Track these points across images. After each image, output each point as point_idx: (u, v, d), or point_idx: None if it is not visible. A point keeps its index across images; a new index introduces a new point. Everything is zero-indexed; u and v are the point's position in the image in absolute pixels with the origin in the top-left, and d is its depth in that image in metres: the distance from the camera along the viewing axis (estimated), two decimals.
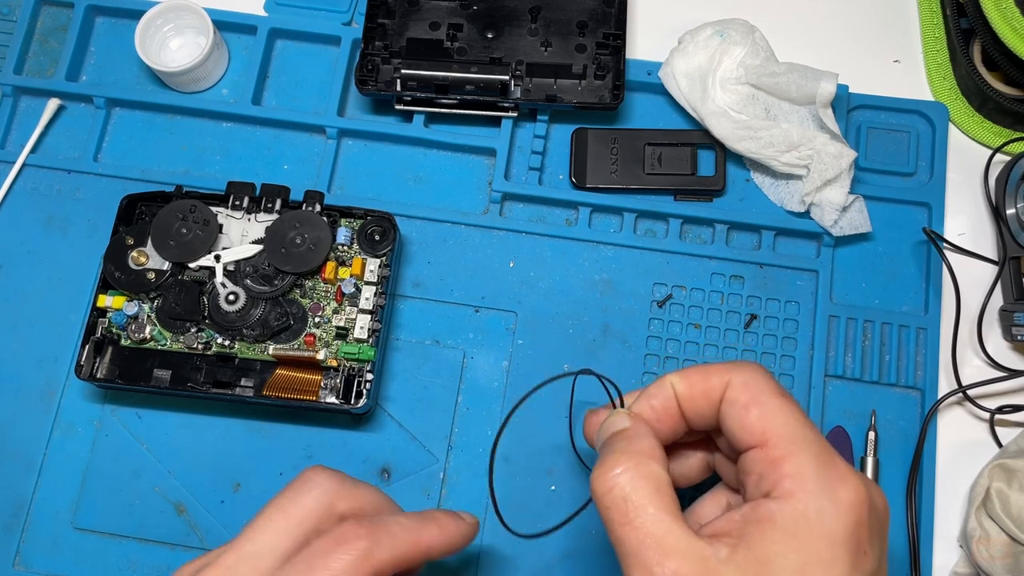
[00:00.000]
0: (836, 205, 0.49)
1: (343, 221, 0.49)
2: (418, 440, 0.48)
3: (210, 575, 0.31)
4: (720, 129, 0.51)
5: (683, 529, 0.29)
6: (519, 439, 0.48)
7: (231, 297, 0.46)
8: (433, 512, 0.35)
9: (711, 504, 0.36)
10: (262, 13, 0.56)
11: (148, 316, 0.47)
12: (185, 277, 0.47)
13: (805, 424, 0.30)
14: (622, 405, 0.35)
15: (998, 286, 0.51)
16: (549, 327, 0.50)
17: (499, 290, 0.51)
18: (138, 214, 0.50)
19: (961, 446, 0.49)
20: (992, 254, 0.52)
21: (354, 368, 0.46)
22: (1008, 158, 0.52)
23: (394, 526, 0.33)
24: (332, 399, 0.46)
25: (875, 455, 0.47)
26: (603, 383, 0.35)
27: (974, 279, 0.51)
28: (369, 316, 0.47)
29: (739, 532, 0.29)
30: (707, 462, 0.37)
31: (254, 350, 0.47)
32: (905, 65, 0.56)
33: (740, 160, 0.53)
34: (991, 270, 0.51)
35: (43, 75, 0.55)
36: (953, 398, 0.49)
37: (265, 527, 0.32)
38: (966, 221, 0.53)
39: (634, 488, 0.30)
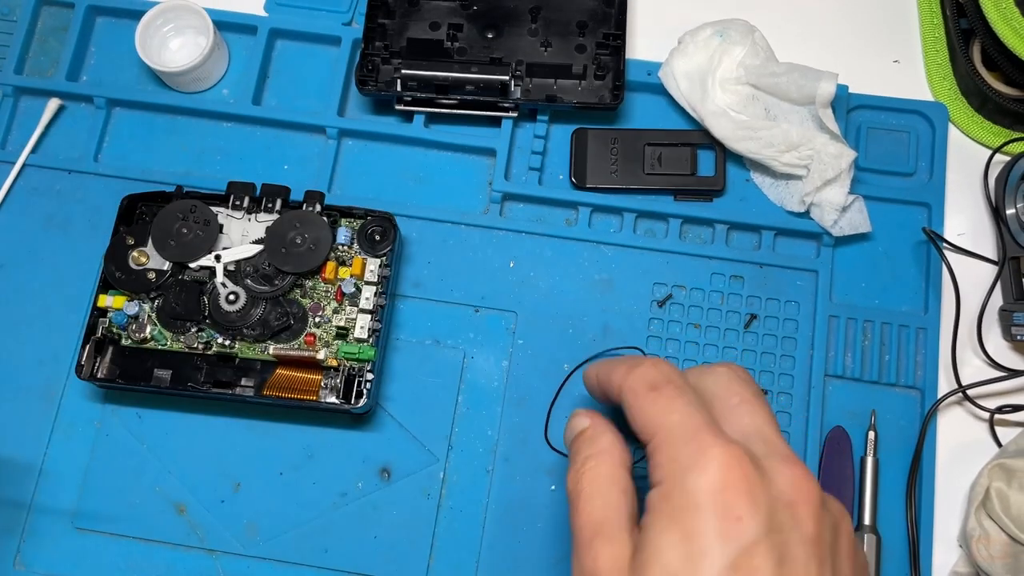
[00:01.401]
0: (836, 205, 0.49)
1: (343, 221, 0.49)
2: (418, 440, 0.48)
3: None
4: (720, 129, 0.51)
5: (622, 522, 0.31)
6: (519, 439, 0.48)
7: (231, 297, 0.46)
8: None
9: None
10: (262, 13, 0.56)
11: (148, 316, 0.47)
12: (185, 277, 0.47)
13: (675, 410, 0.31)
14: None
15: (998, 286, 0.51)
16: (549, 327, 0.50)
17: (499, 290, 0.51)
18: (138, 214, 0.50)
19: (961, 446, 0.49)
20: (992, 254, 0.52)
21: (354, 368, 0.46)
22: (1008, 158, 0.52)
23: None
24: (332, 399, 0.46)
25: (875, 455, 0.47)
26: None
27: (974, 279, 0.51)
28: (369, 316, 0.47)
29: (641, 525, 0.31)
30: None
31: (254, 350, 0.47)
32: (905, 65, 0.56)
33: (740, 160, 0.53)
34: (991, 270, 0.51)
35: (43, 75, 0.55)
36: (953, 398, 0.49)
37: None
38: (966, 221, 0.53)
39: (592, 484, 0.32)
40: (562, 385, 0.49)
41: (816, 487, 0.30)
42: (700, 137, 0.53)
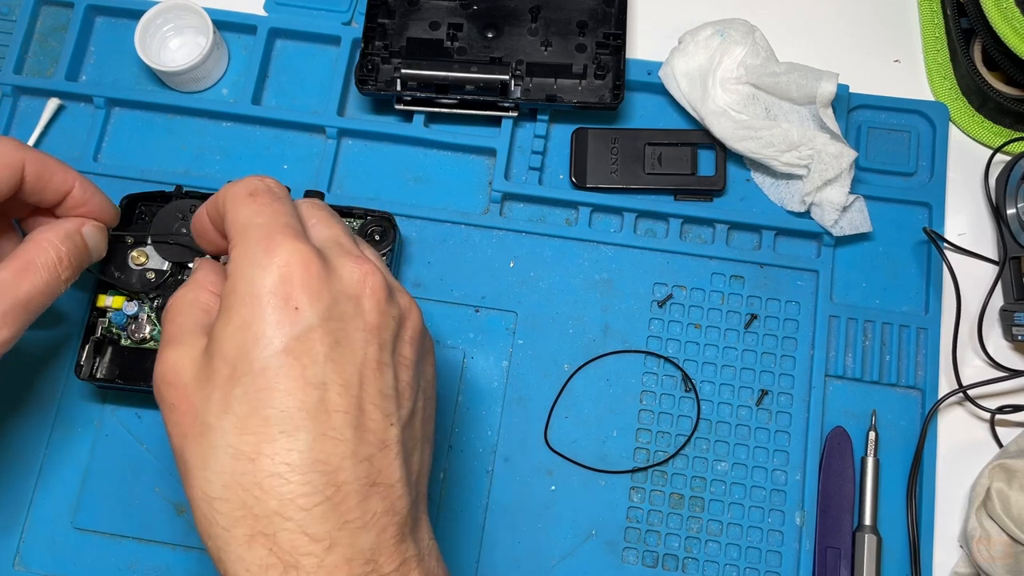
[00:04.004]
0: (836, 205, 0.49)
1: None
2: None
3: None
4: (720, 129, 0.51)
5: (194, 328, 0.33)
6: (519, 439, 0.48)
7: None
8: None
9: None
10: (262, 13, 0.56)
11: (148, 316, 0.47)
12: (185, 277, 0.47)
13: (263, 214, 0.32)
14: None
15: (998, 286, 0.51)
16: (549, 327, 0.50)
17: (499, 290, 0.51)
18: (138, 214, 0.50)
19: (961, 446, 0.49)
20: (992, 254, 0.52)
21: None
22: (1008, 158, 0.52)
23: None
24: None
25: (875, 455, 0.47)
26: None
27: (974, 279, 0.51)
28: None
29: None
30: None
31: None
32: (905, 65, 0.56)
33: (740, 160, 0.53)
34: (991, 270, 0.51)
35: (43, 75, 0.55)
36: (953, 398, 0.49)
37: None
38: (966, 221, 0.53)
39: (177, 305, 0.34)
40: (563, 386, 0.49)
41: (381, 281, 0.32)
42: (700, 137, 0.53)
